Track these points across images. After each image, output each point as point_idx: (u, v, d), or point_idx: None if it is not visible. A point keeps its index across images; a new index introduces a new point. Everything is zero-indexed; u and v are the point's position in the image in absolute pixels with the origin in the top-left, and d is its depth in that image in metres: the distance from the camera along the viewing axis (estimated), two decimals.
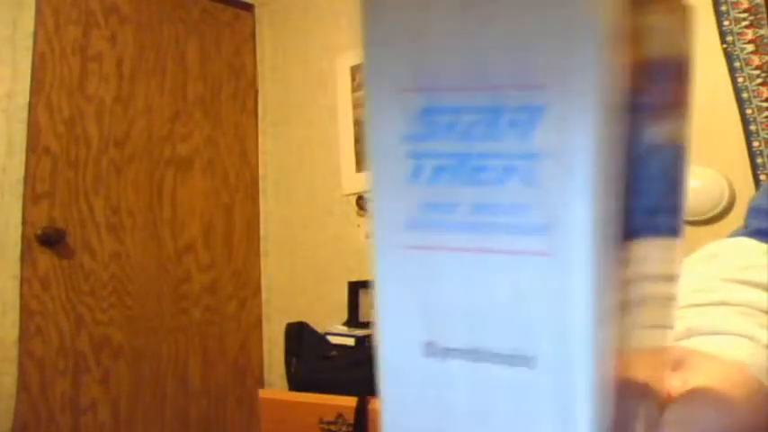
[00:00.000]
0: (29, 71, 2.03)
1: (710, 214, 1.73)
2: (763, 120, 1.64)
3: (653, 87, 0.21)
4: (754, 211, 0.50)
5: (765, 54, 1.65)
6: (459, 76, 0.17)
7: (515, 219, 0.17)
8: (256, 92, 2.70)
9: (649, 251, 0.21)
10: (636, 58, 0.19)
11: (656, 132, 0.22)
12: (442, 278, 0.18)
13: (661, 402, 0.24)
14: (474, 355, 0.18)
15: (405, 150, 0.18)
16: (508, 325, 0.18)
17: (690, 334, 0.37)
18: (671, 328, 0.27)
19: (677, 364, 0.27)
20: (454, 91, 0.17)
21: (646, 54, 0.20)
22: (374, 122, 0.19)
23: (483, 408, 0.19)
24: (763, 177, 1.62)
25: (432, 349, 0.19)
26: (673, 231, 0.24)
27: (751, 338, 0.35)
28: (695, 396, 0.24)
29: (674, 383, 0.25)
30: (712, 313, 0.38)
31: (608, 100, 0.16)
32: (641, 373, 0.22)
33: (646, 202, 0.21)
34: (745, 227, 0.49)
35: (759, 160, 1.64)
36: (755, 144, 1.65)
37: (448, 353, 0.19)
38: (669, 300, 0.25)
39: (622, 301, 0.21)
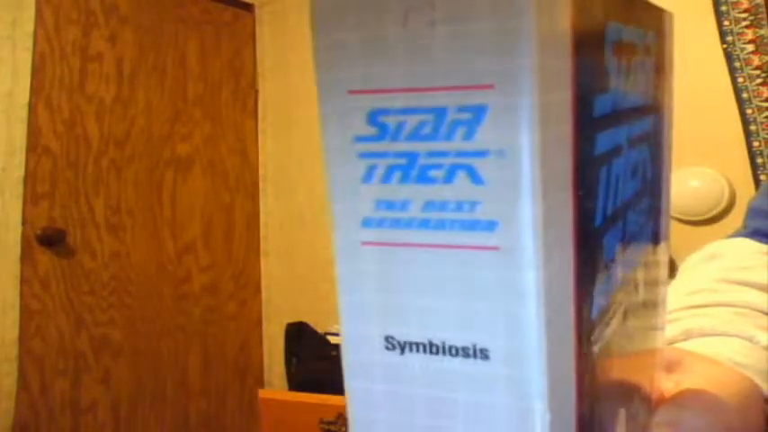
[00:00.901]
0: (29, 71, 2.03)
1: (710, 214, 1.73)
2: (763, 120, 1.64)
3: (621, 88, 0.22)
4: (752, 211, 0.50)
5: (765, 54, 1.65)
6: (404, 77, 0.18)
7: (465, 215, 0.18)
8: (256, 92, 2.70)
9: (630, 254, 0.21)
10: (596, 58, 0.20)
11: (622, 133, 0.22)
12: (397, 273, 0.19)
13: (651, 404, 0.24)
14: (431, 348, 0.19)
15: (357, 151, 0.19)
16: (462, 318, 0.18)
17: (688, 336, 0.37)
18: (661, 329, 0.27)
19: (671, 366, 0.27)
20: (400, 92, 0.18)
21: (608, 55, 0.21)
22: (327, 124, 0.20)
23: (442, 400, 0.19)
24: (763, 177, 1.62)
25: (391, 343, 0.20)
26: (654, 234, 0.24)
27: (750, 340, 0.35)
28: (686, 398, 0.24)
29: (667, 385, 0.25)
30: (712, 314, 0.38)
31: (548, 100, 0.17)
32: (628, 374, 0.22)
33: (612, 203, 0.21)
34: (745, 227, 0.49)
35: (759, 160, 1.64)
36: (755, 144, 1.65)
37: (407, 346, 0.19)
38: (657, 302, 0.25)
39: (603, 306, 0.21)
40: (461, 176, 0.18)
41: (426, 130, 0.18)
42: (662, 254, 0.26)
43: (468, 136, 0.17)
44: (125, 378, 2.17)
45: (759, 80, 1.65)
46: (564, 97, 0.18)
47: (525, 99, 0.16)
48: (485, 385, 0.18)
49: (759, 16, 1.66)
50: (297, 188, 2.54)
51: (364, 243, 0.19)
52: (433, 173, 0.18)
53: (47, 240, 2.01)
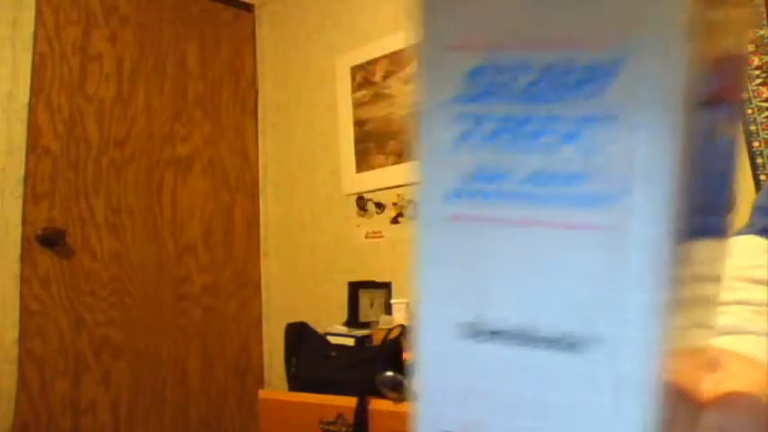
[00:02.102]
0: (29, 71, 2.03)
1: None
2: (763, 120, 1.64)
3: (713, 81, 0.20)
4: (759, 209, 0.50)
5: (765, 54, 1.65)
6: (521, 31, 0.16)
7: (574, 189, 0.16)
8: (256, 92, 2.70)
9: (699, 251, 0.20)
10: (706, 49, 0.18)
11: (709, 127, 0.21)
12: (488, 253, 0.17)
13: (697, 405, 0.24)
14: (520, 338, 0.17)
15: (454, 113, 0.17)
16: (560, 306, 0.16)
17: (714, 333, 0.37)
18: (711, 328, 0.26)
19: (709, 365, 0.26)
20: (513, 48, 0.16)
21: (712, 46, 0.19)
22: (423, 82, 0.17)
23: (527, 397, 0.17)
24: (763, 177, 1.62)
25: (474, 331, 0.17)
26: (720, 231, 0.23)
27: None
28: (730, 401, 0.24)
29: (706, 385, 0.25)
30: (732, 312, 0.38)
31: (690, 65, 0.15)
32: (682, 375, 0.22)
33: (699, 199, 0.19)
34: (751, 225, 0.49)
35: (759, 160, 1.64)
36: (755, 144, 1.65)
37: (491, 336, 0.17)
38: (712, 301, 0.24)
39: (675, 300, 0.20)
40: (576, 144, 0.16)
41: (540, 90, 0.16)
42: (723, 251, 0.24)
43: (591, 99, 0.15)
44: (125, 378, 2.17)
45: (759, 80, 1.65)
46: (701, 68, 0.15)
47: (668, 60, 0.14)
48: (580, 383, 0.16)
49: (759, 17, 1.66)
50: (297, 188, 2.54)
51: (454, 217, 0.17)
52: (542, 139, 0.16)
53: (47, 240, 2.00)
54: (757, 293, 0.40)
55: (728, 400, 0.24)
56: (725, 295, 0.40)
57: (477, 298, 0.17)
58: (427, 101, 0.17)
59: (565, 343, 0.16)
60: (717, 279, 0.24)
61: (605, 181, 0.15)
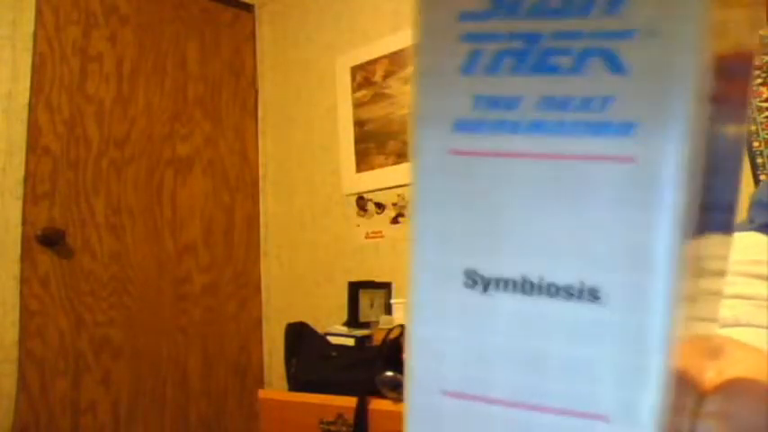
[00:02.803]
0: (29, 71, 2.03)
1: None
2: (763, 120, 1.64)
3: (720, 78, 0.20)
4: (757, 205, 0.50)
5: (765, 54, 1.65)
6: None
7: (593, 115, 0.14)
8: (256, 92, 2.70)
9: (707, 247, 0.19)
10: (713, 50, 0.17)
11: (718, 126, 0.20)
12: (494, 192, 0.15)
13: (701, 393, 0.23)
14: (527, 286, 0.15)
15: (459, 32, 0.15)
16: (573, 249, 0.15)
17: (718, 326, 0.37)
18: (715, 321, 0.26)
19: (712, 353, 0.27)
20: None
21: (719, 46, 0.18)
22: (422, 2, 0.16)
23: (534, 351, 0.16)
24: (763, 177, 1.62)
25: (475, 279, 0.16)
26: (726, 227, 0.22)
27: None
28: (735, 388, 0.24)
29: (710, 374, 0.25)
30: (732, 306, 0.39)
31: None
32: (688, 362, 0.21)
33: (708, 197, 0.19)
34: (750, 221, 0.50)
35: (759, 160, 1.64)
36: (755, 144, 1.65)
37: (494, 284, 0.16)
38: (717, 295, 0.24)
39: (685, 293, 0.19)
40: (595, 64, 0.14)
41: (554, 4, 0.14)
42: (728, 247, 0.23)
43: (611, 10, 0.14)
44: (125, 378, 2.17)
45: (759, 80, 1.65)
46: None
47: None
48: (590, 334, 0.15)
49: (762, 17, 1.66)
50: (297, 188, 2.54)
51: (454, 151, 0.16)
52: (557, 59, 0.14)
53: (47, 240, 2.01)
54: (758, 288, 0.40)
55: (732, 386, 0.24)
56: (726, 290, 0.40)
57: (482, 242, 0.16)
58: (430, 19, 0.16)
59: (576, 292, 0.15)
60: (722, 274, 0.23)
61: (631, 104, 0.14)
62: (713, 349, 0.26)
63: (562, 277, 0.15)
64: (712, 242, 0.20)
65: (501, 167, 0.15)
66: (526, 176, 0.15)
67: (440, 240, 0.16)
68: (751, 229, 0.48)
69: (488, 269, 0.16)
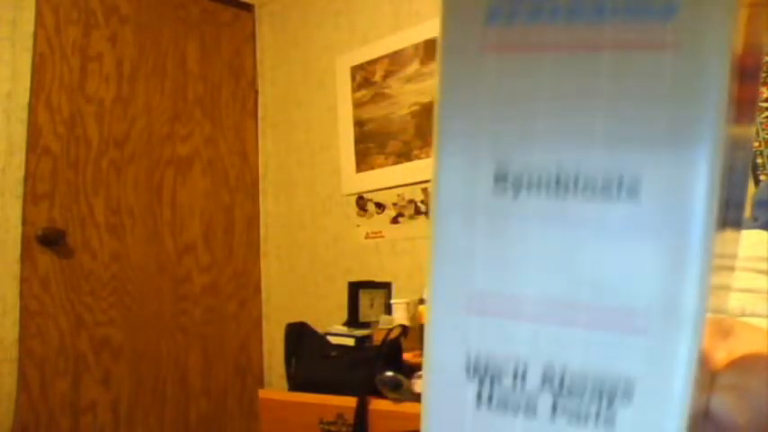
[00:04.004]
0: (29, 71, 2.03)
1: None
2: (764, 120, 1.64)
3: (735, 81, 0.19)
4: (762, 204, 0.51)
5: (765, 54, 1.65)
6: None
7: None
8: (256, 92, 2.70)
9: (723, 243, 0.19)
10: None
11: (733, 126, 0.20)
12: (525, 85, 0.15)
13: (713, 371, 0.24)
14: (558, 184, 0.15)
15: None
16: (607, 142, 0.14)
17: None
18: (725, 313, 0.26)
19: (722, 334, 0.27)
20: None
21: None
22: None
23: (565, 257, 0.15)
24: (762, 177, 1.62)
25: (505, 181, 0.15)
26: (738, 224, 0.22)
27: None
28: (747, 362, 0.24)
29: (720, 354, 0.25)
30: (738, 298, 0.39)
31: None
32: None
33: (725, 194, 0.19)
34: (755, 219, 0.51)
35: (759, 160, 1.64)
36: (755, 144, 1.65)
37: (525, 187, 0.15)
38: (727, 289, 0.24)
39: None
40: None
41: None
42: (737, 244, 0.23)
43: None
44: (125, 378, 2.17)
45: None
46: None
47: None
48: (626, 231, 0.14)
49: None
50: (297, 188, 2.54)
51: (485, 48, 0.15)
52: None
53: (47, 240, 2.01)
54: (763, 283, 0.41)
55: (743, 362, 0.24)
56: (734, 284, 0.41)
57: (513, 139, 0.15)
58: None
59: (610, 188, 0.14)
60: (732, 269, 0.23)
61: None
62: (723, 330, 0.27)
63: (600, 171, 0.14)
64: (727, 238, 0.20)
65: (532, 62, 0.14)
66: (559, 69, 0.14)
67: (467, 143, 0.15)
68: (756, 227, 0.49)
69: (519, 165, 0.15)
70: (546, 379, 0.16)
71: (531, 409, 0.16)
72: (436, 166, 0.16)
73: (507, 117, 0.15)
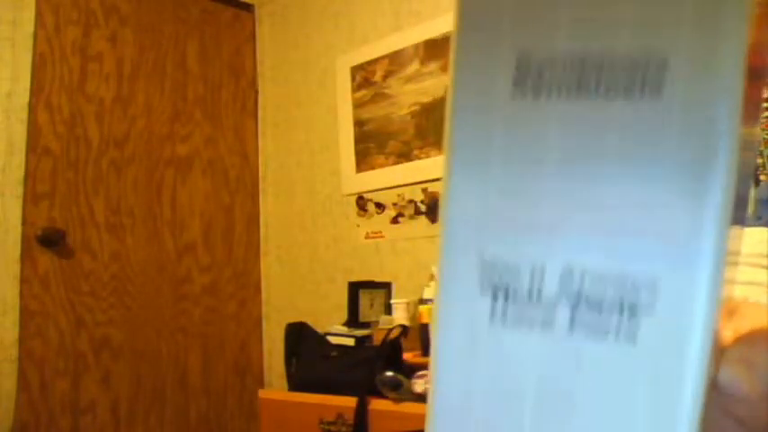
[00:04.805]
0: (29, 71, 2.03)
1: None
2: (764, 120, 1.64)
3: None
4: (764, 202, 0.53)
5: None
6: None
7: None
8: (256, 92, 2.70)
9: (731, 240, 0.19)
10: None
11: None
12: None
13: (720, 348, 0.24)
14: (578, 87, 0.14)
15: None
16: (633, 26, 0.14)
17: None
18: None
19: (727, 315, 0.27)
20: None
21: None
22: None
23: (586, 155, 0.15)
24: (762, 177, 1.62)
25: (522, 84, 0.15)
26: (742, 221, 0.23)
27: None
28: (754, 336, 0.25)
29: (726, 333, 0.25)
30: (741, 290, 0.40)
31: None
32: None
33: (738, 189, 0.19)
34: (758, 217, 0.52)
35: (759, 160, 1.64)
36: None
37: (544, 87, 0.15)
38: (731, 282, 0.25)
39: None
40: None
41: None
42: (740, 239, 0.23)
43: None
44: (125, 378, 2.17)
45: None
46: None
47: None
48: (649, 129, 0.14)
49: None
50: (297, 188, 2.54)
51: None
52: None
53: (47, 240, 2.01)
54: (764, 276, 0.42)
55: (750, 336, 0.25)
56: (737, 278, 0.42)
57: (536, 25, 0.15)
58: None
59: (635, 82, 0.14)
60: (736, 263, 0.24)
61: None
62: (729, 310, 0.27)
63: (624, 50, 0.14)
64: (733, 235, 0.20)
65: None
66: None
67: (488, 33, 0.15)
68: (759, 225, 0.50)
69: (542, 51, 0.14)
70: (563, 285, 0.16)
71: (547, 324, 0.16)
72: (455, 62, 0.16)
73: (530, 4, 0.15)
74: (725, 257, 0.15)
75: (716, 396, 0.23)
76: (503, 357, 0.17)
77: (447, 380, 0.17)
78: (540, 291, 0.16)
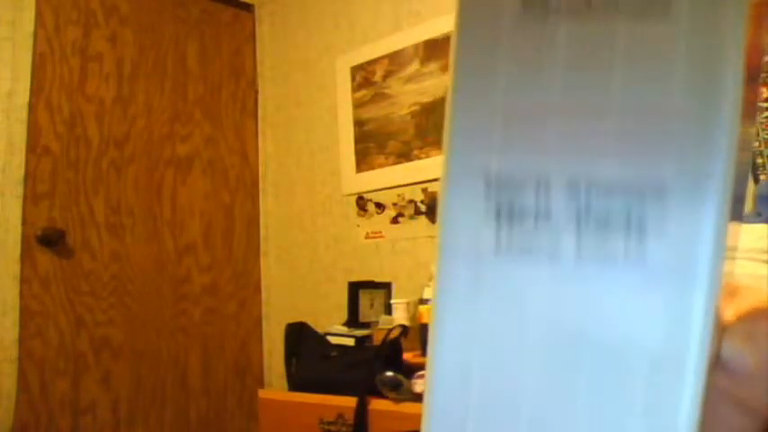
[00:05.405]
0: (29, 71, 2.03)
1: None
2: (764, 120, 1.64)
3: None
4: (763, 199, 0.53)
5: (765, 54, 1.65)
6: None
7: None
8: (256, 92, 2.70)
9: (730, 234, 0.19)
10: None
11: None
12: None
13: (722, 327, 0.24)
14: (588, 7, 0.15)
15: None
16: None
17: None
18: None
19: (729, 295, 0.27)
20: None
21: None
22: None
23: (595, 73, 0.15)
24: (762, 177, 1.62)
25: (530, 5, 0.15)
26: (740, 216, 0.23)
27: None
28: (757, 312, 0.25)
29: (728, 312, 0.25)
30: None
31: None
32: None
33: (736, 185, 0.19)
34: (758, 214, 0.52)
35: (759, 160, 1.64)
36: (755, 144, 1.65)
37: (553, 6, 0.15)
38: (731, 276, 0.25)
39: None
40: None
41: None
42: (737, 234, 0.24)
43: None
44: (125, 378, 2.17)
45: (759, 80, 1.65)
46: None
47: None
48: (658, 48, 0.14)
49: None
50: (297, 188, 2.54)
51: None
52: None
53: (47, 240, 2.01)
54: (764, 270, 0.42)
55: (751, 312, 0.25)
56: (738, 271, 0.42)
57: None
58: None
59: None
60: (734, 258, 0.24)
61: None
62: (730, 292, 0.27)
63: None
64: (732, 230, 0.20)
65: None
66: None
67: None
68: (760, 221, 0.50)
69: None
70: (569, 200, 0.15)
71: (554, 253, 0.16)
72: None
73: None
74: (734, 165, 0.15)
75: (717, 378, 0.23)
76: (509, 294, 0.16)
77: (449, 320, 0.17)
78: (546, 208, 0.16)
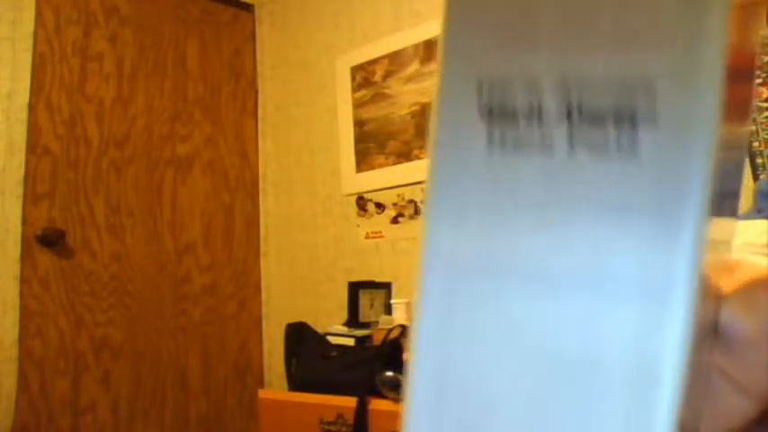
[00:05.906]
0: (29, 71, 2.03)
1: None
2: (763, 120, 1.64)
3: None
4: (763, 195, 0.53)
5: (765, 54, 1.65)
6: None
7: None
8: (256, 92, 2.70)
9: (719, 230, 0.20)
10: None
11: (727, 125, 0.21)
12: None
13: (718, 303, 0.24)
14: None
15: None
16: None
17: None
18: None
19: (727, 271, 0.27)
20: None
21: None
22: None
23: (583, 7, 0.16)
24: (762, 177, 1.62)
25: None
26: (734, 212, 0.23)
27: None
28: (756, 281, 0.25)
29: (726, 285, 0.25)
30: None
31: None
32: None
33: (722, 184, 0.19)
34: (759, 210, 0.52)
35: (759, 160, 1.64)
36: (755, 144, 1.65)
37: None
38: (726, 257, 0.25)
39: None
40: None
41: None
42: (732, 230, 0.24)
43: None
44: (125, 378, 2.17)
45: (759, 80, 1.65)
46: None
47: None
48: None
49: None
50: (297, 188, 2.54)
51: None
52: None
53: (47, 240, 2.00)
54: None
55: (750, 282, 0.25)
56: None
57: None
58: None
59: None
60: (728, 253, 0.24)
61: None
62: (729, 267, 0.27)
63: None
64: (722, 225, 0.20)
65: None
66: None
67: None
68: (761, 218, 0.50)
69: None
70: (560, 98, 0.16)
71: (547, 146, 0.16)
72: None
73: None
74: (725, 57, 0.15)
75: (716, 355, 0.23)
76: (500, 182, 0.16)
77: (442, 198, 0.17)
78: (538, 107, 0.16)
